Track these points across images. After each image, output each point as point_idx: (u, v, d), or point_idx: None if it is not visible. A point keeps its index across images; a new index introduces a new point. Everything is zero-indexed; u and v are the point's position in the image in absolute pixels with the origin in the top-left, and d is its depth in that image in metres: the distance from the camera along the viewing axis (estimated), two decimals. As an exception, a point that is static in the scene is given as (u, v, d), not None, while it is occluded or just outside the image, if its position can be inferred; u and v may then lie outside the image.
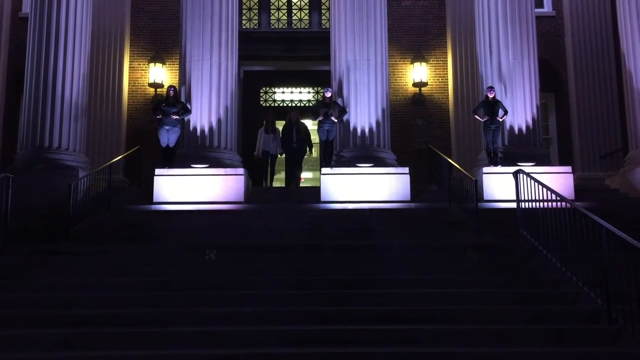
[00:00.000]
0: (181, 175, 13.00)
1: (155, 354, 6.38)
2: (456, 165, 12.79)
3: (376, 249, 9.84)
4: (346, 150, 13.73)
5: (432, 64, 18.14)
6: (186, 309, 7.51)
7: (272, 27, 18.76)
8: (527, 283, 8.33)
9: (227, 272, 8.82)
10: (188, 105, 13.49)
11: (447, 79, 17.96)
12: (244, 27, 18.29)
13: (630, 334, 6.54)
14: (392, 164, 13.64)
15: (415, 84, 17.90)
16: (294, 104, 18.68)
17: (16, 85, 16.62)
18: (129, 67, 17.87)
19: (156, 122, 13.60)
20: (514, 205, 10.19)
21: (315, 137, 14.80)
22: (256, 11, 18.82)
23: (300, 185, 15.08)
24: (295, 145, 14.36)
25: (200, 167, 13.11)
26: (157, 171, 13.11)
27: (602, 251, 7.06)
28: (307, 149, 14.73)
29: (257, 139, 15.10)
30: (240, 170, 13.24)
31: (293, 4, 18.88)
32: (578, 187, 13.43)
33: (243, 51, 15.58)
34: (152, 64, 17.74)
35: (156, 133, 13.55)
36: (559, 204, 8.63)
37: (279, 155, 14.88)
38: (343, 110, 13.64)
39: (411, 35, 18.27)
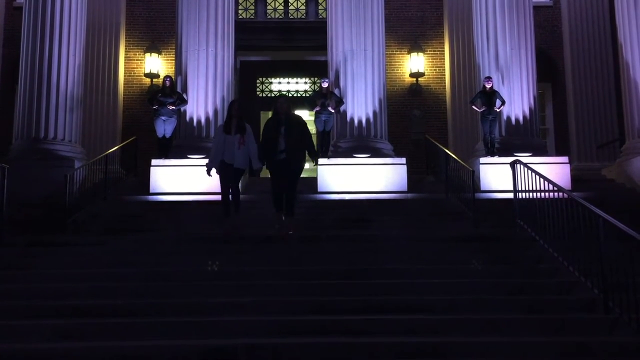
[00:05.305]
0: (178, 166, 12.98)
1: (153, 344, 6.37)
2: (453, 156, 12.79)
3: (373, 239, 9.80)
4: (343, 140, 13.71)
5: (429, 54, 18.10)
6: (183, 300, 7.49)
7: (269, 16, 18.67)
8: (524, 273, 8.33)
9: (223, 262, 8.78)
10: (184, 96, 13.45)
11: (444, 69, 17.93)
12: (240, 16, 18.20)
13: (627, 323, 6.55)
14: (389, 154, 13.63)
15: (412, 74, 17.86)
16: (290, 95, 18.62)
17: (11, 76, 16.54)
18: (125, 57, 17.80)
19: (152, 113, 13.56)
20: (511, 195, 10.19)
21: (312, 128, 14.61)
22: (252, 1, 18.72)
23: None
24: (284, 156, 8.97)
25: (197, 158, 13.08)
26: (154, 162, 13.11)
27: (599, 241, 7.06)
28: (307, 154, 9.32)
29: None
30: (237, 161, 13.21)
31: (289, -7, 18.80)
32: (575, 178, 13.47)
33: (239, 41, 15.50)
34: (147, 54, 17.66)
35: (152, 123, 13.53)
36: (556, 194, 8.61)
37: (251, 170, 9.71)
38: (340, 101, 13.60)
39: (408, 25, 18.24)
